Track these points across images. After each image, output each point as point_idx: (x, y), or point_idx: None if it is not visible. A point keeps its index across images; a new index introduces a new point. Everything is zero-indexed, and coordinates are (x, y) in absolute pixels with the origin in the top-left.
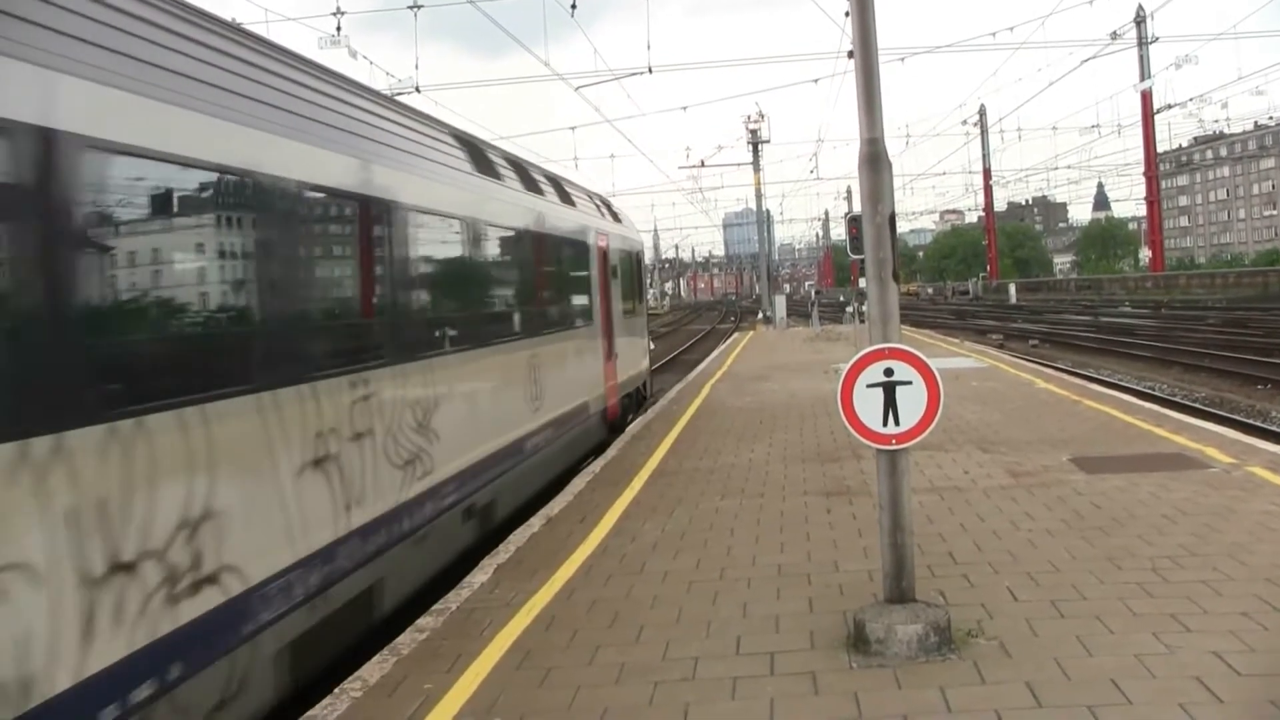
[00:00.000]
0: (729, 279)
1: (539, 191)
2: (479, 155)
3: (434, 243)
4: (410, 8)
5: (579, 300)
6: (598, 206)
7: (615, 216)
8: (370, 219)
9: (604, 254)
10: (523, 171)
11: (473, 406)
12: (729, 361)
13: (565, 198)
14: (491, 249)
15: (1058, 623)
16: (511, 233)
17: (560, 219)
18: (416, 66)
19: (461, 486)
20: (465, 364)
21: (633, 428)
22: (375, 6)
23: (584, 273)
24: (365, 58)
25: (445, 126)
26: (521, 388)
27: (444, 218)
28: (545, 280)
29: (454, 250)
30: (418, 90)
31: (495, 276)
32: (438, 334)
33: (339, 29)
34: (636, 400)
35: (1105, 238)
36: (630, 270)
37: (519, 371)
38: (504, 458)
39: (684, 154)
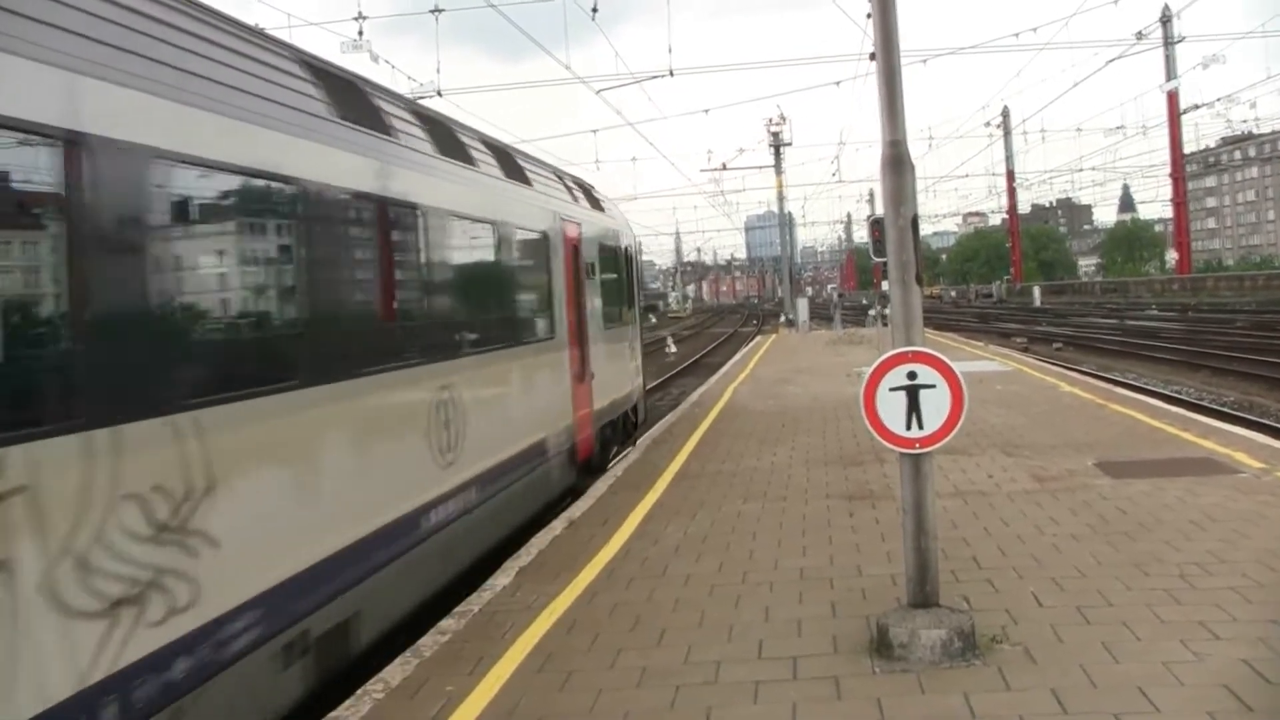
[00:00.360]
0: (751, 282)
1: (464, 159)
2: (351, 98)
3: (222, 219)
4: (431, 11)
5: (533, 306)
6: (569, 189)
7: (596, 203)
8: (68, 168)
9: (575, 248)
10: (440, 130)
11: (305, 481)
12: (751, 364)
13: (514, 172)
14: (358, 233)
15: (1083, 629)
16: (405, 211)
17: (501, 198)
18: (438, 70)
19: (277, 611)
20: (284, 414)
21: (654, 431)
22: (397, 10)
23: (542, 270)
24: (387, 62)
25: (289, 49)
26: (418, 436)
27: (250, 177)
28: (469, 280)
29: (269, 232)
30: (439, 94)
31: (362, 275)
32: (220, 365)
33: (361, 33)
34: (624, 430)
35: (1131, 240)
36: (617, 269)
37: (414, 412)
38: (378, 547)
39: (705, 157)
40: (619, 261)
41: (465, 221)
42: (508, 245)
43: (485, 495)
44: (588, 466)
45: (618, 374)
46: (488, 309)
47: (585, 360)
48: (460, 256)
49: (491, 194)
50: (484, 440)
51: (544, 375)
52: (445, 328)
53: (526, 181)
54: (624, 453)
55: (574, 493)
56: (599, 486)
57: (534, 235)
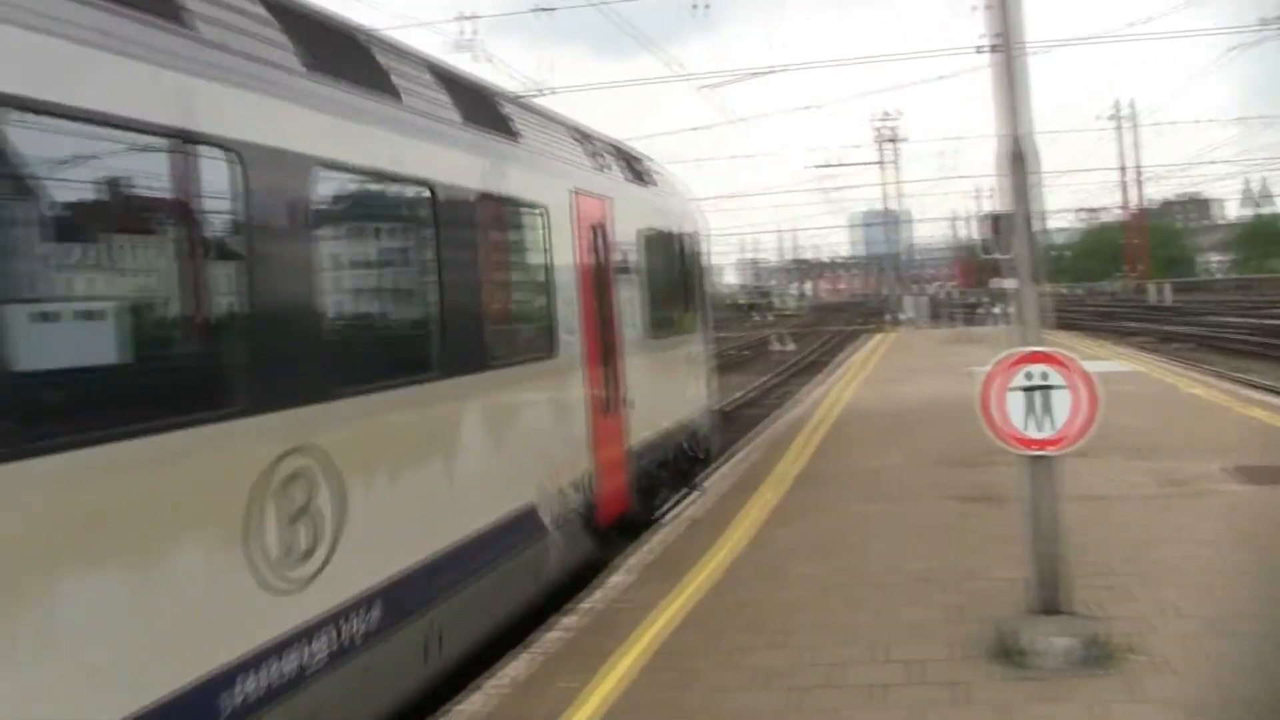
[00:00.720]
0: (861, 280)
1: (376, 88)
2: None
3: None
4: (534, 11)
5: (511, 312)
6: (595, 155)
7: (642, 177)
8: None
9: (599, 232)
10: (327, 42)
11: None
12: (864, 363)
13: (485, 119)
14: (82, 186)
15: (1220, 641)
16: (201, 154)
17: (449, 152)
18: (548, 69)
19: None
20: None
21: (774, 430)
22: (502, 10)
23: (534, 262)
24: (499, 60)
25: None
26: (215, 549)
27: None
28: (371, 273)
29: None
30: (543, 92)
31: (79, 260)
32: None
33: (474, 31)
34: (680, 469)
35: (1265, 235)
36: (672, 262)
37: (201, 506)
38: None
39: (813, 154)
40: (676, 252)
41: (362, 180)
42: (454, 222)
43: (398, 615)
44: (622, 524)
45: (671, 397)
46: (407, 318)
47: (616, 383)
48: (351, 237)
49: (430, 144)
50: (396, 530)
51: (534, 410)
52: (299, 352)
53: (509, 134)
54: (685, 498)
55: (595, 567)
56: (720, 486)
57: (518, 211)
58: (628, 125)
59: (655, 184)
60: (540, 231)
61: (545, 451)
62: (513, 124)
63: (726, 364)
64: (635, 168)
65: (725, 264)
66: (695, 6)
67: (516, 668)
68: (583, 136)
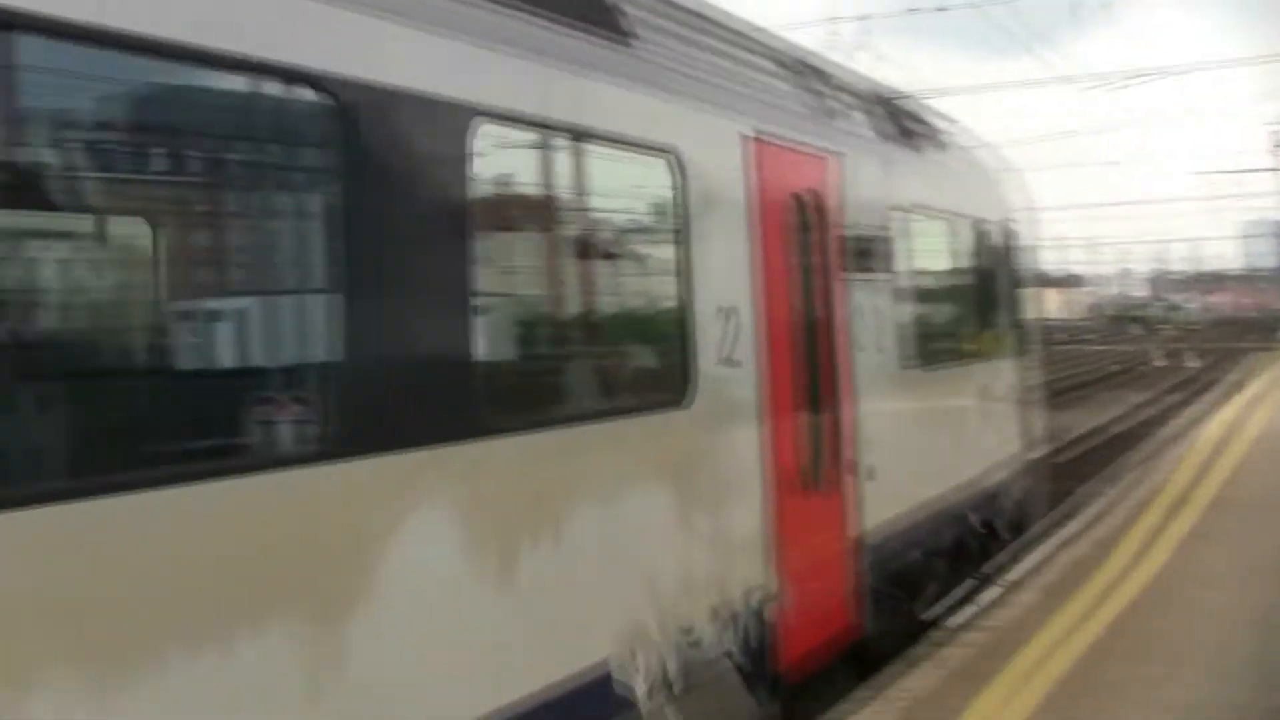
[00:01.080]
0: (1264, 295)
1: None
2: None
3: None
4: (909, 11)
5: (584, 330)
6: (811, 91)
7: (910, 134)
8: None
9: (805, 202)
10: None
11: None
12: (1274, 385)
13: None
14: None
15: None
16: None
17: (438, 40)
18: (933, 69)
19: None
20: None
21: (1178, 450)
22: (879, 9)
23: (640, 244)
24: (888, 58)
25: None
26: None
27: None
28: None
29: None
30: (942, 94)
31: None
32: None
33: (866, 31)
34: (969, 552)
35: None
36: (966, 261)
37: None
38: None
39: (1200, 160)
40: (973, 247)
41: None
42: (405, 160)
43: None
44: (854, 658)
45: (951, 452)
46: (263, 352)
47: (835, 440)
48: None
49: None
50: None
51: (627, 499)
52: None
53: (602, 28)
54: (972, 595)
55: None
56: (1128, 505)
57: (593, 152)
58: (1005, 127)
59: (942, 148)
60: (657, 193)
61: (648, 566)
62: (617, 15)
63: (1113, 381)
64: (901, 122)
65: (1109, 273)
66: (1079, 7)
67: (917, 680)
68: (791, 62)
